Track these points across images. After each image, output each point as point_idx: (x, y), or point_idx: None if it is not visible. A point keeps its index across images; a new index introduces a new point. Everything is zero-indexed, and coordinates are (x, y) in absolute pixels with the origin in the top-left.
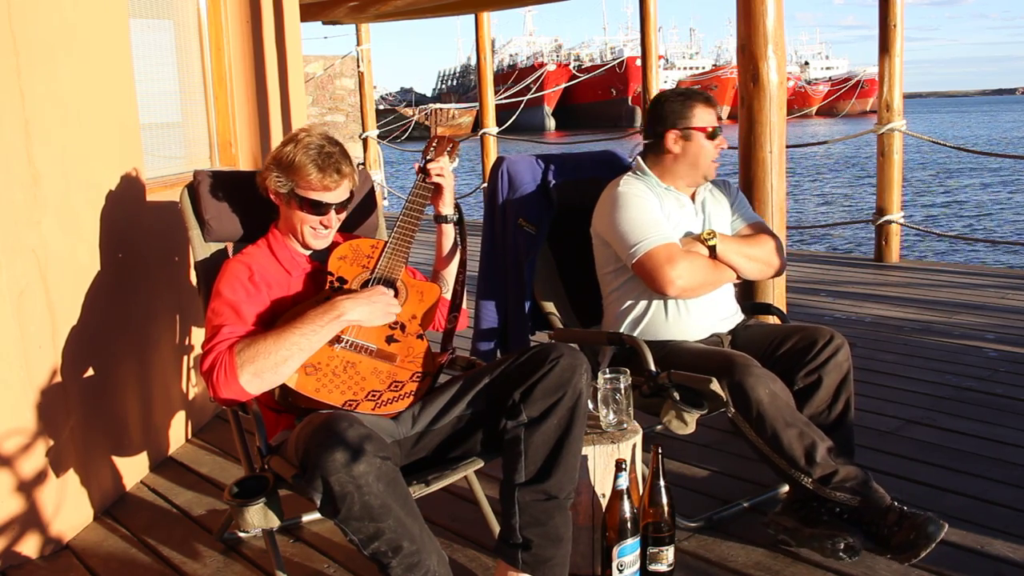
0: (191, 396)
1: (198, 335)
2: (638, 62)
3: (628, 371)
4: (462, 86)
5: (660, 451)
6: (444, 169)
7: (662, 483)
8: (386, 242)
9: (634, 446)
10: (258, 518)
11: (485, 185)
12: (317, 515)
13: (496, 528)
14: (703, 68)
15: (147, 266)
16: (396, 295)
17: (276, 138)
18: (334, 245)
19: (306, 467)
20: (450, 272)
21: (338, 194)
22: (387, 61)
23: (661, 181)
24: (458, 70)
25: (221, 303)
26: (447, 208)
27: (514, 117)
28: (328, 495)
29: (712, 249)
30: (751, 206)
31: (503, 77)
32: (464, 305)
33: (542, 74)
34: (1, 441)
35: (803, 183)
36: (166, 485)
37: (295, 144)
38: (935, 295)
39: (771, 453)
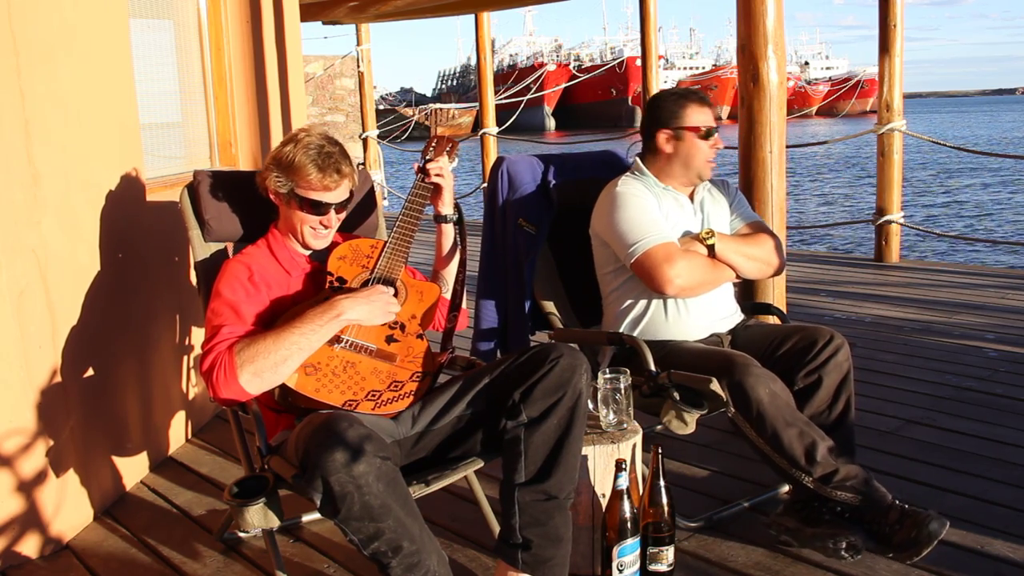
0: (191, 396)
1: (198, 335)
2: (638, 62)
3: (628, 371)
4: (462, 86)
5: (660, 451)
6: (444, 169)
7: (662, 483)
8: (386, 242)
9: (634, 446)
10: (258, 518)
11: (485, 185)
12: (317, 515)
13: (496, 528)
14: (703, 68)
15: (147, 266)
16: (396, 295)
17: (276, 138)
18: (334, 245)
19: (306, 467)
20: (450, 272)
21: (338, 194)
22: (387, 61)
23: (659, 181)
24: (458, 70)
25: (221, 303)
26: (447, 208)
27: (514, 117)
28: (328, 495)
29: (711, 248)
30: (751, 206)
31: (503, 77)
32: (464, 305)
33: (542, 74)
34: (1, 441)
35: (803, 183)
36: (166, 485)
37: (295, 144)
38: (935, 295)
39: (772, 453)
